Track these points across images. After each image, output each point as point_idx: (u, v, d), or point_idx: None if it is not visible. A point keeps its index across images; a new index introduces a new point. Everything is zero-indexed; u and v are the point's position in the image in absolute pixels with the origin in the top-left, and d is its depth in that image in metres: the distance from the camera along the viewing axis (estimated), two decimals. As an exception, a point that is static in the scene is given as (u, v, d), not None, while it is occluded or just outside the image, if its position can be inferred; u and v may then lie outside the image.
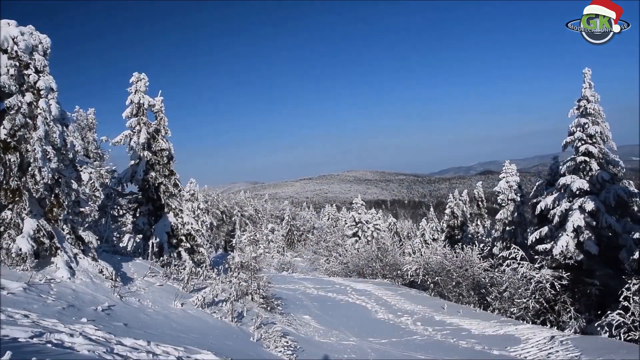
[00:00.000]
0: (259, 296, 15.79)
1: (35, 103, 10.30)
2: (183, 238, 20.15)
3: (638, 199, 20.40)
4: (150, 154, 19.93)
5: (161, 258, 17.73)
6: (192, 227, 20.43)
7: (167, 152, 20.34)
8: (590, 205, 19.65)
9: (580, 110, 21.03)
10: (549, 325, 18.24)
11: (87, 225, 16.28)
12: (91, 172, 23.91)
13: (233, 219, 68.20)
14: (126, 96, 19.98)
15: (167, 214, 20.05)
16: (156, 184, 19.89)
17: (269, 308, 15.69)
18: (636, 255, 17.19)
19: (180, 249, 19.98)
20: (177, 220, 20.11)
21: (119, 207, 20.65)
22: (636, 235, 17.42)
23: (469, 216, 46.09)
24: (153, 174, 19.79)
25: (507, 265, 20.39)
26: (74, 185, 11.56)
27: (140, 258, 16.78)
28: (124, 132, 19.93)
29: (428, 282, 23.98)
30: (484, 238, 34.28)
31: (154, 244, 18.24)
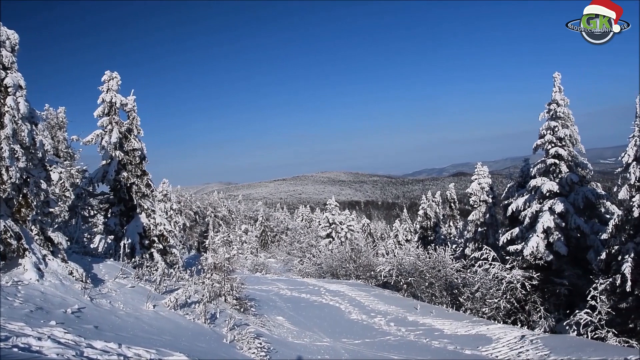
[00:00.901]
0: (232, 297, 15.69)
1: (2, 100, 10.06)
2: (155, 239, 19.94)
3: (605, 201, 20.87)
4: (122, 154, 19.67)
5: (133, 259, 17.48)
6: (164, 228, 20.23)
7: (140, 152, 20.11)
8: (559, 207, 20.04)
9: (551, 113, 21.42)
10: (519, 325, 18.53)
11: (56, 226, 15.97)
12: (61, 172, 23.48)
13: (206, 219, 67.74)
14: (98, 95, 19.68)
15: (139, 215, 19.81)
16: (128, 184, 19.63)
17: (242, 309, 15.60)
18: (603, 256, 17.58)
19: (152, 250, 19.76)
20: (149, 221, 19.89)
21: (89, 208, 20.32)
22: (603, 236, 17.78)
23: (441, 217, 46.61)
24: (125, 174, 19.53)
25: (479, 266, 20.64)
26: (43, 185, 11.31)
27: (111, 259, 16.51)
28: (96, 131, 19.64)
29: (401, 283, 24.12)
30: (456, 239, 34.69)
31: (126, 245, 17.98)
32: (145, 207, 19.94)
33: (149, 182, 20.38)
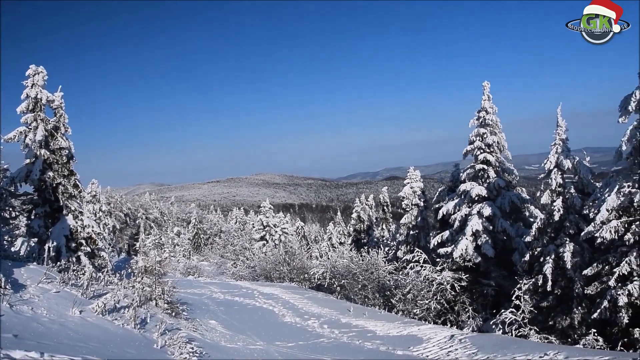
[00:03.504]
0: (164, 301, 15.28)
1: None
2: (83, 242, 19.21)
3: (529, 205, 21.87)
4: (48, 153, 18.82)
5: (58, 263, 16.72)
6: (93, 230, 19.53)
7: (67, 151, 19.32)
8: (487, 211, 20.80)
9: (480, 120, 22.22)
10: (449, 325, 19.03)
11: (-27, 228, 15.06)
12: (-21, 171, 22.18)
13: (137, 221, 66.01)
14: (21, 90, 18.74)
15: (66, 217, 19.01)
16: (54, 185, 18.80)
17: (174, 313, 15.22)
18: (527, 257, 18.41)
19: (79, 253, 19.03)
20: (76, 222, 19.13)
21: (11, 209, 19.27)
22: (527, 239, 18.62)
23: (375, 220, 47.31)
24: (51, 173, 18.69)
25: (411, 268, 21.05)
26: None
27: (34, 263, 15.71)
28: (19, 128, 18.67)
29: (335, 285, 24.27)
30: (389, 242, 35.30)
31: (51, 248, 17.17)
32: (73, 208, 19.17)
33: (77, 182, 19.62)
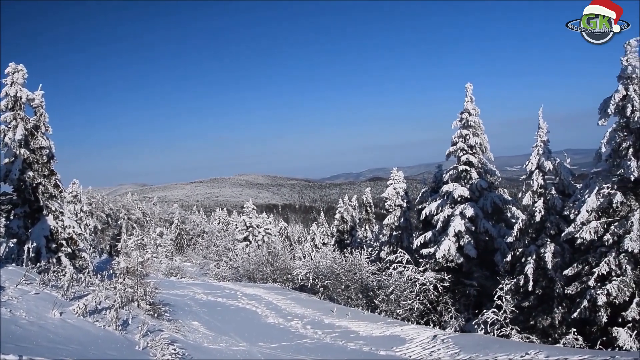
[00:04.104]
0: (146, 303, 15.15)
1: None
2: (64, 242, 18.99)
3: (511, 206, 22.08)
4: (28, 152, 18.57)
5: (38, 264, 16.52)
6: (73, 231, 19.32)
7: (47, 151, 19.09)
8: (470, 212, 20.95)
9: (463, 122, 22.37)
10: (432, 325, 19.15)
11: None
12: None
13: (119, 222, 65.41)
14: (0, 88, 18.50)
15: (46, 217, 18.77)
16: (34, 185, 18.56)
17: (156, 315, 15.10)
18: (509, 258, 18.58)
19: (60, 254, 18.81)
20: (57, 223, 18.91)
21: (-11, 209, 19.04)
22: (509, 239, 18.80)
23: (358, 221, 47.40)
24: (31, 173, 18.45)
25: (394, 269, 21.11)
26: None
27: (13, 265, 15.52)
28: (-3, 127, 18.43)
29: (318, 286, 24.26)
30: (372, 242, 35.37)
31: (31, 249, 16.99)
32: (53, 208, 18.94)
33: (57, 182, 19.40)
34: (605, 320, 14.39)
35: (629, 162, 14.18)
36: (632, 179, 14.19)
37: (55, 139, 19.65)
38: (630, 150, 14.42)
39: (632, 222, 14.04)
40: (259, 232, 46.97)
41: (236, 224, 53.66)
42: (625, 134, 14.79)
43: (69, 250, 19.22)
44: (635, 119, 14.21)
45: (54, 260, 18.08)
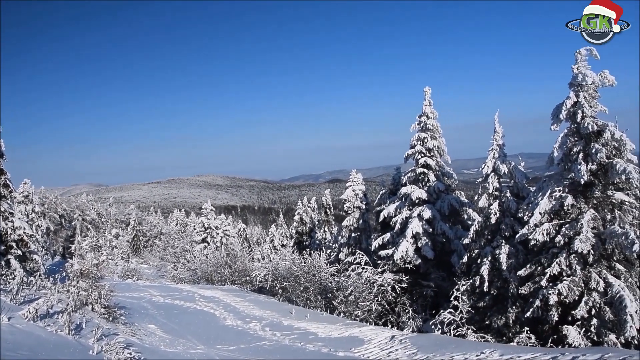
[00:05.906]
0: (101, 306, 14.82)
1: None
2: (13, 244, 18.39)
3: (468, 208, 22.52)
4: (-24, 151, 17.91)
5: (-15, 267, 15.98)
6: (24, 232, 18.71)
7: (-4, 149, 18.43)
8: (427, 214, 21.26)
9: (421, 125, 22.68)
10: (390, 326, 19.33)
11: None
12: None
13: (73, 223, 63.77)
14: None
15: (-6, 218, 18.13)
16: (-19, 184, 17.91)
17: (111, 318, 14.78)
18: (465, 259, 18.96)
19: (9, 256, 18.20)
20: (6, 224, 18.28)
21: None
22: (465, 241, 19.18)
23: (317, 223, 47.44)
24: (-22, 172, 17.80)
25: (353, 270, 21.22)
26: None
27: (-41, 267, 14.93)
28: (-57, 124, 17.70)
29: (277, 288, 24.20)
30: (331, 244, 35.46)
31: (-23, 251, 16.37)
32: (2, 209, 18.30)
33: (7, 181, 18.79)
34: (556, 319, 14.84)
35: (579, 166, 14.68)
36: (582, 182, 14.70)
37: (4, 137, 18.99)
38: (581, 154, 14.95)
39: (581, 224, 14.51)
40: (218, 234, 46.56)
41: (194, 226, 53.01)
42: (576, 139, 15.34)
43: (19, 252, 18.63)
44: (585, 124, 14.75)
45: (3, 263, 17.54)
